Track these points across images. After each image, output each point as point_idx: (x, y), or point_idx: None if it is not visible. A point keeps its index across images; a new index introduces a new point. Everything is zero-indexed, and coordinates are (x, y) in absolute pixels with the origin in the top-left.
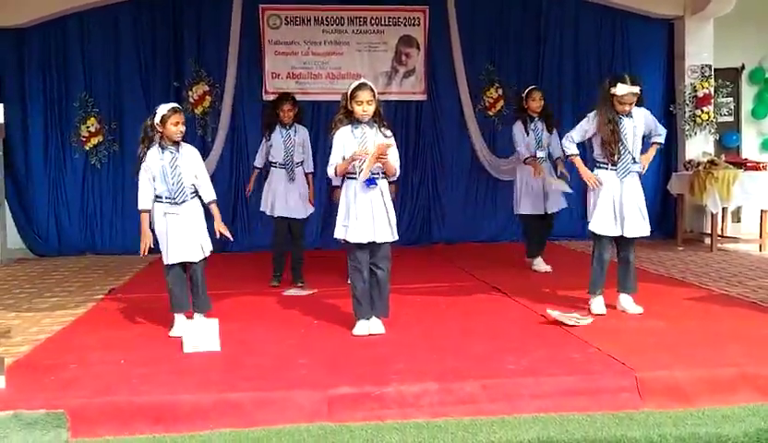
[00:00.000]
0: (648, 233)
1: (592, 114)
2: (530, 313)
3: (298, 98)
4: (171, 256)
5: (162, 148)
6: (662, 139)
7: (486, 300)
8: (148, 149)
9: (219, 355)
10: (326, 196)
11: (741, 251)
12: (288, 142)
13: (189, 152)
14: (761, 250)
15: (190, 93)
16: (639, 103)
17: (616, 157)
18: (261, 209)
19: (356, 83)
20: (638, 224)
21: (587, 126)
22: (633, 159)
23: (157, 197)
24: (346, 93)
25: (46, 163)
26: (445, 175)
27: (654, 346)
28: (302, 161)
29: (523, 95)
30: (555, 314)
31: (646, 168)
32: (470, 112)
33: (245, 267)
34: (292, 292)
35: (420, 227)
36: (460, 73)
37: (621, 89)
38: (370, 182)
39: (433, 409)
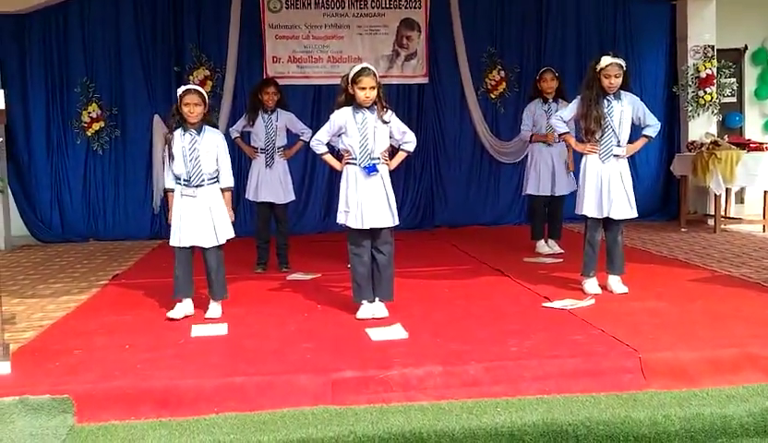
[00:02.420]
0: (634, 216)
1: (581, 96)
2: (533, 295)
3: (299, 82)
4: (182, 239)
5: (184, 130)
6: (653, 132)
7: (488, 283)
8: (174, 130)
9: (223, 340)
10: (327, 180)
11: (745, 232)
12: (269, 127)
13: (211, 137)
14: (764, 231)
15: (191, 78)
16: (626, 87)
17: (598, 135)
18: (246, 197)
19: (359, 68)
20: (623, 207)
21: (576, 106)
22: (618, 141)
23: (176, 178)
24: (347, 77)
25: (48, 150)
26: (447, 159)
27: (657, 327)
28: (284, 146)
29: (537, 77)
30: (554, 305)
31: (629, 155)
32: (472, 95)
33: (248, 251)
34: (295, 276)
35: (422, 210)
36: (461, 56)
37: (605, 61)
38: (371, 169)
39: (437, 392)
